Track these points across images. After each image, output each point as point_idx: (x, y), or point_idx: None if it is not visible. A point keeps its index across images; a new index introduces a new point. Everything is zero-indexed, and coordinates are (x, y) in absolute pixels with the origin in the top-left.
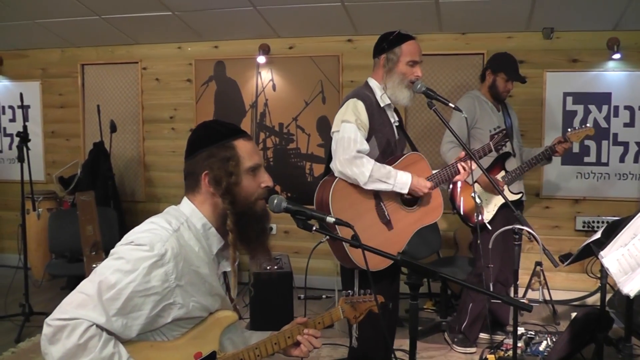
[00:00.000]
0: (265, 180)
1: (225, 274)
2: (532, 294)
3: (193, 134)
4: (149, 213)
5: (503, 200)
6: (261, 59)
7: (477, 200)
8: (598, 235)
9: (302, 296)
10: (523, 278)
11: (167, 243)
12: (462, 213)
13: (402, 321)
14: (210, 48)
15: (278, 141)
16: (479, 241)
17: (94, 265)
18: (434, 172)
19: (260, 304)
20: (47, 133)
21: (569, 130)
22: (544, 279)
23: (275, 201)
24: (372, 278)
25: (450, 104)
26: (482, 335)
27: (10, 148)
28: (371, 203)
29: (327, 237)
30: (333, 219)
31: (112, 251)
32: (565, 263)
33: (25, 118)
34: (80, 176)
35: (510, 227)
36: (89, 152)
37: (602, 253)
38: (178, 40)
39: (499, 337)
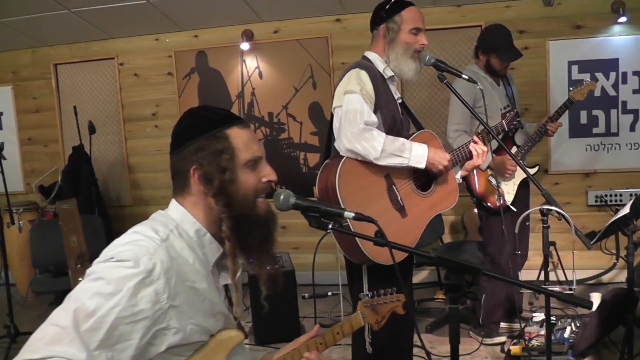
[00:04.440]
0: (268, 173)
1: (227, 286)
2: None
3: (178, 123)
4: (137, 217)
5: (521, 179)
6: (245, 46)
7: (496, 183)
8: (626, 210)
9: (307, 295)
10: (535, 259)
11: (155, 256)
12: (480, 198)
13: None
14: (190, 38)
15: (269, 132)
16: (503, 227)
17: (80, 279)
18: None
19: (261, 309)
20: (23, 140)
21: (571, 89)
22: (559, 259)
23: (282, 197)
24: (384, 274)
25: (464, 76)
26: (503, 324)
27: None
28: (383, 186)
29: (330, 230)
30: (352, 214)
31: (88, 271)
32: (592, 241)
33: None
34: (61, 183)
35: (537, 207)
36: (68, 157)
37: None
38: (155, 32)
39: (518, 325)
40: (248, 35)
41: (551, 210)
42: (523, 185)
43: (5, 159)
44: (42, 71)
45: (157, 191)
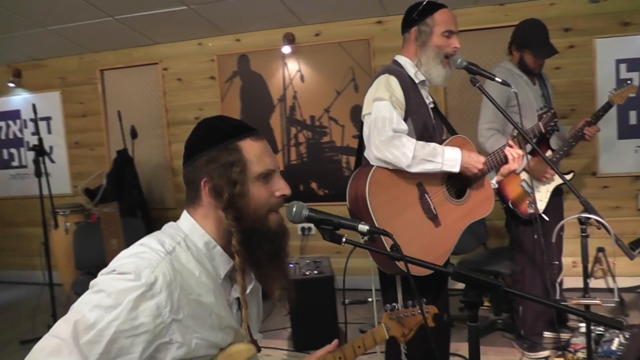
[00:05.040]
0: (281, 187)
1: (239, 299)
2: (595, 283)
3: (192, 133)
4: None
5: (554, 186)
6: (286, 49)
7: (528, 189)
8: None
9: (347, 301)
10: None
11: (158, 269)
12: (511, 205)
13: (453, 321)
14: (231, 42)
15: (311, 135)
16: (535, 236)
17: None
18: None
19: (301, 313)
20: (70, 144)
21: (610, 92)
22: (608, 266)
23: (295, 209)
24: (417, 286)
25: (497, 79)
26: (547, 334)
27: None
28: (414, 195)
29: (363, 243)
30: (366, 227)
31: (92, 282)
32: (637, 251)
33: (45, 130)
34: (106, 186)
35: (575, 216)
36: (112, 161)
37: None
38: (198, 36)
39: (564, 336)
40: (289, 39)
41: (590, 218)
42: (556, 193)
43: (53, 162)
44: (89, 77)
45: None
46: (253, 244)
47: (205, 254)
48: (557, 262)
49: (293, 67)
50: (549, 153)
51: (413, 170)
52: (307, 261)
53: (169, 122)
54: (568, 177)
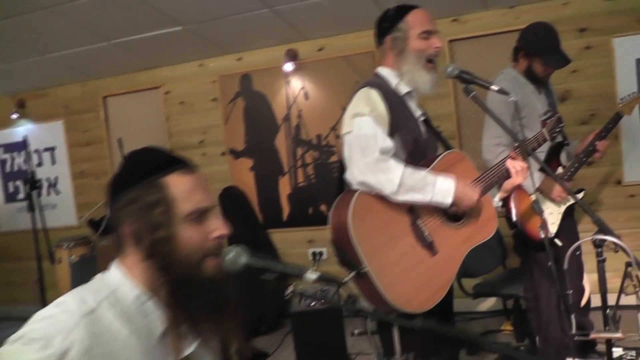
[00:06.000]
0: (218, 227)
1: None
2: (626, 300)
3: (117, 170)
4: None
5: (566, 206)
6: (289, 67)
7: (539, 211)
8: None
9: (357, 332)
10: (613, 282)
11: (73, 334)
12: (520, 229)
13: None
14: (233, 61)
15: (318, 155)
16: (550, 263)
17: None
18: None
19: (307, 347)
20: (75, 174)
21: (619, 102)
22: (638, 280)
23: (230, 256)
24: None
25: (493, 87)
26: None
27: (39, 195)
28: (405, 222)
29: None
30: (315, 276)
31: None
32: None
33: (49, 161)
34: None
35: (589, 238)
36: None
37: None
38: (198, 57)
39: None
40: (292, 55)
41: (605, 240)
42: (568, 214)
43: (58, 193)
44: (92, 104)
45: None
46: (186, 296)
47: (137, 309)
48: (571, 291)
49: (297, 84)
50: (560, 170)
51: (399, 198)
52: (313, 291)
53: (173, 147)
54: (579, 195)
